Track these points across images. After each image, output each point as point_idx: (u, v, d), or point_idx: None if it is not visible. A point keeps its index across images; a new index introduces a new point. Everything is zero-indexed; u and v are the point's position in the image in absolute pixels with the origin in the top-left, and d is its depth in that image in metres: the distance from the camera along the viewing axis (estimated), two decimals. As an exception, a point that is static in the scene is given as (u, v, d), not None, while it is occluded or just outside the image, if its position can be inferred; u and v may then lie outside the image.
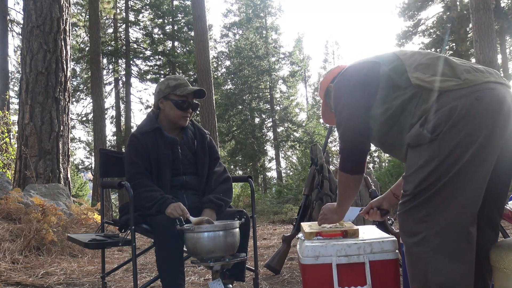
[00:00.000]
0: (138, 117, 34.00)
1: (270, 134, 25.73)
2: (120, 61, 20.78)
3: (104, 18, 18.33)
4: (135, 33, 21.48)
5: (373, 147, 1.78)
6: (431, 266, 1.48)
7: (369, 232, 2.00)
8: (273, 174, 25.72)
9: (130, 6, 20.87)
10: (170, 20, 21.42)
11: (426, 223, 1.49)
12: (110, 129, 22.07)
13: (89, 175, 22.28)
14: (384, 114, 1.62)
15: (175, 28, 21.46)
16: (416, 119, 1.54)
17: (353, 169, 1.71)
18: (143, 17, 21.44)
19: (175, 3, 21.87)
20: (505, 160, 1.56)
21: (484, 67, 1.59)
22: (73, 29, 18.09)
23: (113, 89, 21.10)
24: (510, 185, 1.61)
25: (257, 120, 25.69)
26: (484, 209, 1.56)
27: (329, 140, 3.52)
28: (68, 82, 6.47)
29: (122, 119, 20.77)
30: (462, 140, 1.45)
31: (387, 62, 1.65)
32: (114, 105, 21.14)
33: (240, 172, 24.49)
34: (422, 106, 1.53)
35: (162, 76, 21.02)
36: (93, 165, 18.59)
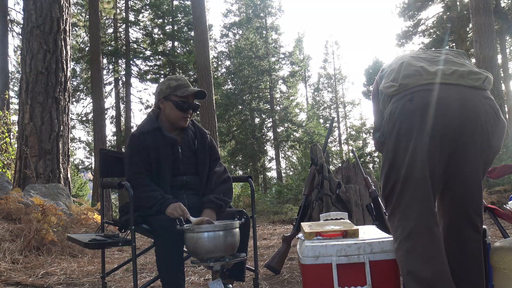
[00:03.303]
0: (138, 117, 34.04)
1: (270, 134, 25.74)
2: (120, 61, 20.78)
3: (104, 18, 18.33)
4: (135, 33, 21.54)
5: (373, 148, 1.89)
6: (405, 268, 1.54)
7: (369, 232, 2.00)
8: (273, 174, 25.76)
9: (130, 6, 20.87)
10: (170, 20, 21.41)
11: (400, 227, 1.56)
12: (110, 129, 22.11)
13: (89, 175, 22.29)
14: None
15: (175, 28, 21.45)
16: None
17: None
18: (143, 17, 21.46)
19: (175, 3, 21.86)
20: (470, 164, 1.57)
21: (446, 67, 1.59)
22: (73, 29, 18.09)
23: (113, 89, 21.11)
24: (481, 186, 1.63)
25: (257, 120, 25.69)
26: (463, 210, 1.62)
27: (329, 140, 3.52)
28: (68, 82, 6.47)
29: (122, 119, 20.77)
30: (400, 141, 1.53)
31: (386, 67, 1.80)
32: (114, 105, 21.15)
33: (240, 172, 24.49)
34: (384, 110, 1.68)
35: (162, 76, 21.02)
36: (93, 165, 18.59)
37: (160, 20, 21.45)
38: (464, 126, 1.50)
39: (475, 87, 1.55)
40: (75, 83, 19.95)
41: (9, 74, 14.54)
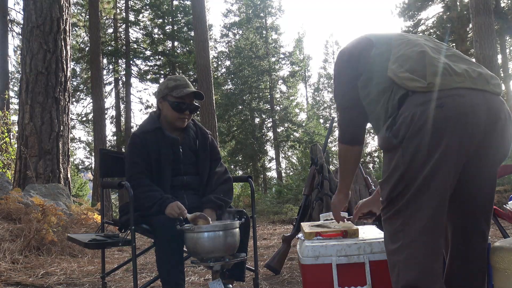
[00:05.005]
0: (138, 117, 33.99)
1: (270, 134, 25.73)
2: (120, 61, 20.78)
3: (104, 18, 18.32)
4: (135, 33, 21.51)
5: (373, 148, 1.80)
6: (401, 276, 1.48)
7: (369, 232, 2.00)
8: (273, 174, 25.73)
9: (130, 6, 20.87)
10: (170, 20, 21.42)
11: (403, 231, 1.48)
12: (110, 129, 22.07)
13: (89, 175, 22.28)
14: (366, 98, 1.61)
15: (175, 28, 21.45)
16: (387, 115, 1.52)
17: (350, 140, 1.73)
18: (143, 17, 21.46)
19: (175, 3, 21.86)
20: (485, 173, 1.53)
21: (469, 68, 1.49)
22: (73, 29, 18.09)
23: (113, 89, 21.11)
24: (493, 195, 1.58)
25: (257, 120, 25.69)
26: (474, 217, 1.57)
27: (329, 140, 3.52)
28: (68, 82, 6.47)
29: (122, 119, 20.77)
30: (423, 149, 1.41)
31: (380, 43, 1.61)
32: (114, 105, 21.15)
33: (240, 172, 24.49)
34: (392, 102, 1.50)
35: (162, 76, 21.02)
36: (93, 165, 18.60)
37: (160, 20, 21.45)
38: (487, 136, 1.45)
39: (497, 93, 1.48)
40: (75, 83, 19.95)
41: (9, 74, 14.55)
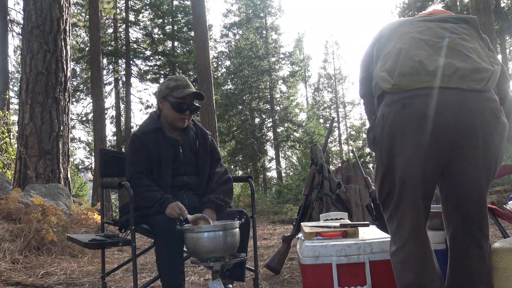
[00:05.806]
0: (138, 117, 34.03)
1: (270, 134, 25.73)
2: (120, 61, 20.78)
3: (104, 18, 18.33)
4: (135, 33, 21.51)
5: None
6: (398, 278, 1.50)
7: (369, 232, 2.00)
8: (273, 174, 25.73)
9: (130, 6, 20.86)
10: (170, 20, 21.42)
11: (398, 234, 1.50)
12: (110, 129, 22.07)
13: (89, 175, 22.28)
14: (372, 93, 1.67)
15: (175, 28, 21.45)
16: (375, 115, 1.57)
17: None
18: (143, 17, 21.45)
19: (175, 3, 21.86)
20: (473, 174, 1.48)
21: (448, 63, 1.42)
22: (73, 29, 18.09)
23: (113, 89, 21.11)
24: (482, 200, 1.52)
25: (257, 120, 25.68)
26: (465, 227, 1.54)
27: (329, 140, 3.52)
28: (68, 82, 6.47)
29: (122, 119, 20.76)
30: (393, 150, 1.42)
31: (383, 39, 1.65)
32: (114, 105, 21.15)
33: (240, 172, 24.48)
34: (375, 100, 1.57)
35: (162, 76, 21.03)
36: (93, 165, 18.60)
37: (160, 20, 21.45)
38: (460, 136, 1.39)
39: (475, 89, 1.40)
40: (75, 83, 19.95)
41: (9, 74, 14.54)
